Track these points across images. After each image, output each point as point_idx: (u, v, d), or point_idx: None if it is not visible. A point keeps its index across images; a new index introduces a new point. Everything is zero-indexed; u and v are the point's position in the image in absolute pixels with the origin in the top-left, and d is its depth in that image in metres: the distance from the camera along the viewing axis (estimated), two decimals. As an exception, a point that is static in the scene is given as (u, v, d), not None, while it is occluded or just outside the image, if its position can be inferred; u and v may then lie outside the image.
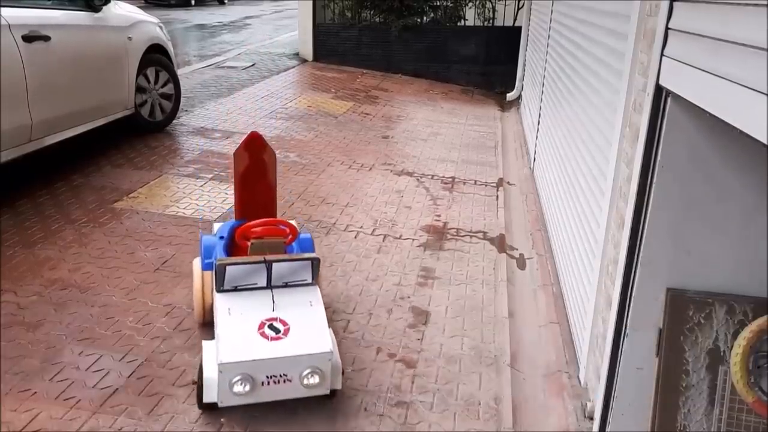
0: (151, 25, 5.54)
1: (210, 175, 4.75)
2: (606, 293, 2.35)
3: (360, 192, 4.76)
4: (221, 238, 2.75)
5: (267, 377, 2.20)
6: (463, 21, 10.11)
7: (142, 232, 3.76)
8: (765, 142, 1.14)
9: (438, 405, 2.51)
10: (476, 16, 9.99)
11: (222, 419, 2.32)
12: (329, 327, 2.36)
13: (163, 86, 5.66)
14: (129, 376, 2.51)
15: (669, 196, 1.89)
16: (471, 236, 4.15)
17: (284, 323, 2.30)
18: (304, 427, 2.33)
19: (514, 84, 8.52)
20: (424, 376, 2.68)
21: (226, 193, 4.41)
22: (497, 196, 4.92)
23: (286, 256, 2.45)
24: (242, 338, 2.23)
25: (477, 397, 2.58)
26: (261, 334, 2.25)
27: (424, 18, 10.06)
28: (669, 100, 1.81)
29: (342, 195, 4.66)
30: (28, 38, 3.91)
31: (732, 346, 1.87)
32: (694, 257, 1.93)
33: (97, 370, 2.53)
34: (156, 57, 5.54)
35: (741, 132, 1.25)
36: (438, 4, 10.07)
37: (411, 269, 3.61)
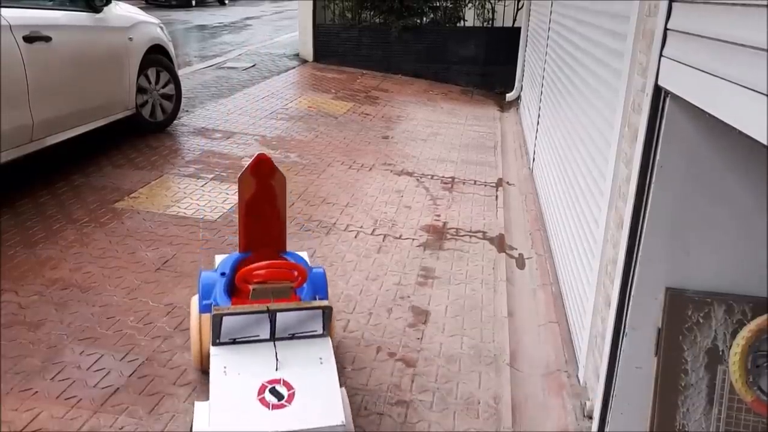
0: (151, 25, 5.54)
1: (211, 176, 4.76)
2: (605, 293, 2.35)
3: (360, 192, 4.77)
4: (222, 274, 2.43)
5: None
6: (462, 22, 10.12)
7: (143, 232, 3.76)
8: (764, 143, 1.14)
9: (438, 404, 2.52)
10: (476, 17, 9.99)
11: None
12: (342, 387, 2.06)
13: (163, 87, 5.67)
14: (130, 376, 2.52)
15: (668, 196, 1.89)
16: (471, 236, 4.15)
17: (289, 386, 1.98)
18: (304, 426, 2.33)
19: (514, 84, 8.52)
20: (423, 375, 2.68)
21: (227, 193, 4.42)
22: (497, 196, 4.93)
23: (293, 304, 2.12)
24: (239, 406, 1.92)
25: (476, 396, 2.58)
26: (261, 400, 1.94)
27: (424, 19, 10.07)
28: (668, 100, 1.81)
29: (342, 195, 4.67)
30: (29, 39, 3.91)
31: (731, 346, 1.88)
32: (693, 257, 1.94)
33: (98, 370, 2.54)
34: (157, 57, 5.54)
35: (740, 132, 1.26)
36: (438, 4, 10.08)
37: (411, 269, 3.62)
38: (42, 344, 2.67)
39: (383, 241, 3.96)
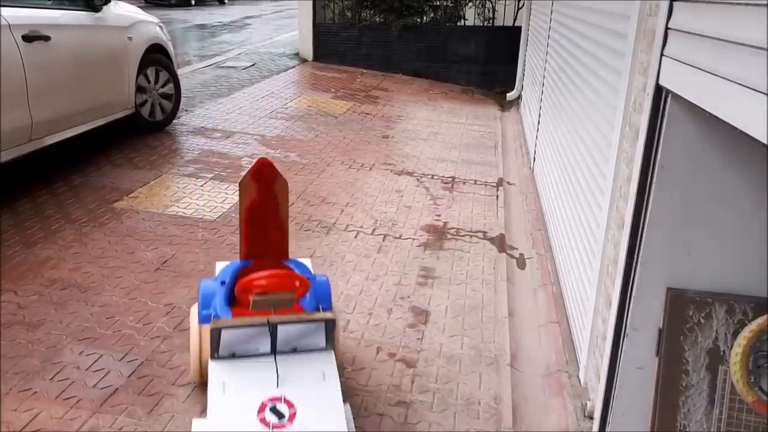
0: (151, 25, 5.53)
1: (210, 175, 4.75)
2: (606, 293, 2.35)
3: (360, 192, 4.76)
4: (222, 283, 2.33)
5: None
6: (463, 21, 10.11)
7: (142, 232, 3.76)
8: (765, 142, 1.14)
9: (438, 404, 2.51)
10: (476, 16, 9.98)
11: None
12: (346, 403, 1.96)
13: (163, 86, 5.66)
14: (129, 376, 2.51)
15: (669, 195, 1.89)
16: (471, 236, 4.15)
17: (290, 405, 1.88)
18: (304, 427, 2.33)
19: (514, 84, 8.52)
20: (424, 376, 2.68)
21: (227, 193, 4.42)
22: (497, 196, 4.92)
23: (294, 317, 2.04)
24: (238, 426, 1.82)
25: (477, 397, 2.58)
26: (261, 420, 1.83)
27: (424, 18, 10.06)
28: (669, 99, 1.81)
29: (342, 195, 4.66)
30: (28, 38, 3.91)
31: (732, 346, 1.88)
32: (694, 257, 1.93)
33: (98, 370, 2.53)
34: (156, 57, 5.53)
35: (741, 132, 1.25)
36: (438, 3, 10.06)
37: (411, 269, 3.61)
38: (41, 344, 2.67)
39: (383, 241, 3.95)
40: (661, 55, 1.82)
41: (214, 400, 1.91)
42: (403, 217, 4.34)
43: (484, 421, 2.45)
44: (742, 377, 1.83)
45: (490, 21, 10.00)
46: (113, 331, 2.80)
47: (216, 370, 1.97)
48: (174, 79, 5.81)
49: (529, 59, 7.37)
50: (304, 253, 3.66)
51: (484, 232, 4.22)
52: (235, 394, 1.90)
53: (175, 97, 5.85)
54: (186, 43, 11.99)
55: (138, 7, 6.05)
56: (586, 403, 2.47)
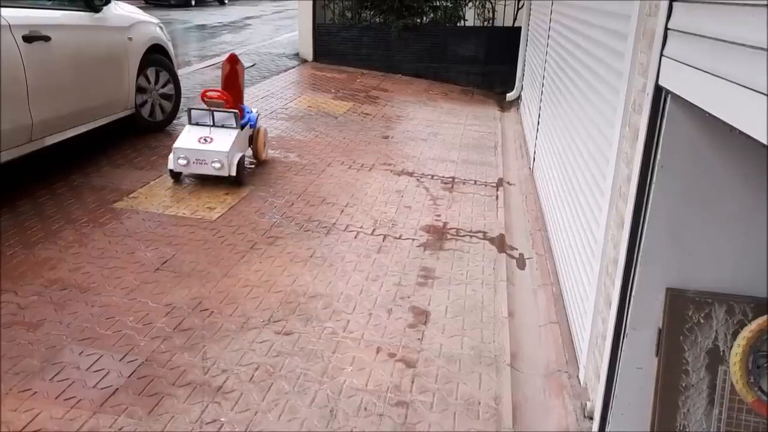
0: (151, 25, 5.54)
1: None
2: (606, 293, 2.35)
3: (360, 192, 4.77)
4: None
5: (195, 160, 4.40)
6: (462, 21, 10.11)
7: (142, 232, 3.76)
8: (765, 142, 1.14)
9: (438, 405, 2.51)
10: (476, 17, 9.99)
11: (222, 419, 2.33)
12: (241, 152, 4.60)
13: (163, 86, 5.66)
14: (129, 376, 2.51)
15: (668, 195, 1.89)
16: (471, 236, 4.15)
17: (212, 139, 4.44)
18: (303, 427, 2.33)
19: (514, 84, 8.52)
20: (424, 376, 2.68)
21: (226, 194, 4.42)
22: (497, 196, 4.92)
23: (221, 109, 4.53)
24: (188, 141, 4.44)
25: (477, 397, 2.58)
26: (198, 140, 4.43)
27: (424, 18, 10.06)
28: (668, 100, 1.81)
29: (342, 195, 4.66)
30: (28, 38, 3.91)
31: (731, 346, 1.88)
32: (694, 257, 1.93)
33: (98, 370, 2.53)
34: (156, 57, 5.54)
35: (741, 132, 1.25)
36: (438, 4, 10.07)
37: (411, 269, 3.61)
38: (41, 345, 2.67)
39: (383, 241, 3.95)
40: (661, 55, 1.83)
41: (182, 135, 4.51)
42: (403, 218, 4.35)
43: (484, 421, 2.45)
44: (741, 377, 1.83)
45: (490, 21, 10.00)
46: (113, 331, 2.80)
47: (188, 128, 4.55)
48: (174, 79, 5.81)
49: (529, 59, 7.38)
50: (304, 253, 3.67)
51: (484, 233, 4.22)
52: (191, 134, 4.50)
53: (175, 98, 5.85)
54: (186, 44, 11.99)
55: (138, 7, 6.05)
56: (586, 403, 2.47)
